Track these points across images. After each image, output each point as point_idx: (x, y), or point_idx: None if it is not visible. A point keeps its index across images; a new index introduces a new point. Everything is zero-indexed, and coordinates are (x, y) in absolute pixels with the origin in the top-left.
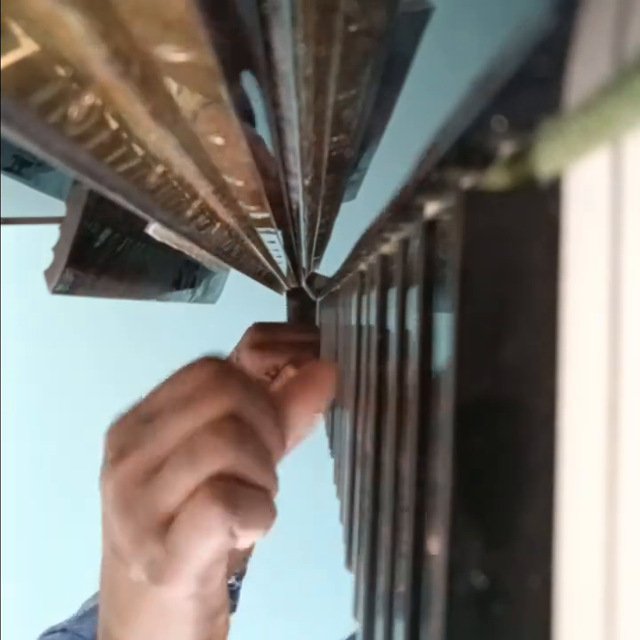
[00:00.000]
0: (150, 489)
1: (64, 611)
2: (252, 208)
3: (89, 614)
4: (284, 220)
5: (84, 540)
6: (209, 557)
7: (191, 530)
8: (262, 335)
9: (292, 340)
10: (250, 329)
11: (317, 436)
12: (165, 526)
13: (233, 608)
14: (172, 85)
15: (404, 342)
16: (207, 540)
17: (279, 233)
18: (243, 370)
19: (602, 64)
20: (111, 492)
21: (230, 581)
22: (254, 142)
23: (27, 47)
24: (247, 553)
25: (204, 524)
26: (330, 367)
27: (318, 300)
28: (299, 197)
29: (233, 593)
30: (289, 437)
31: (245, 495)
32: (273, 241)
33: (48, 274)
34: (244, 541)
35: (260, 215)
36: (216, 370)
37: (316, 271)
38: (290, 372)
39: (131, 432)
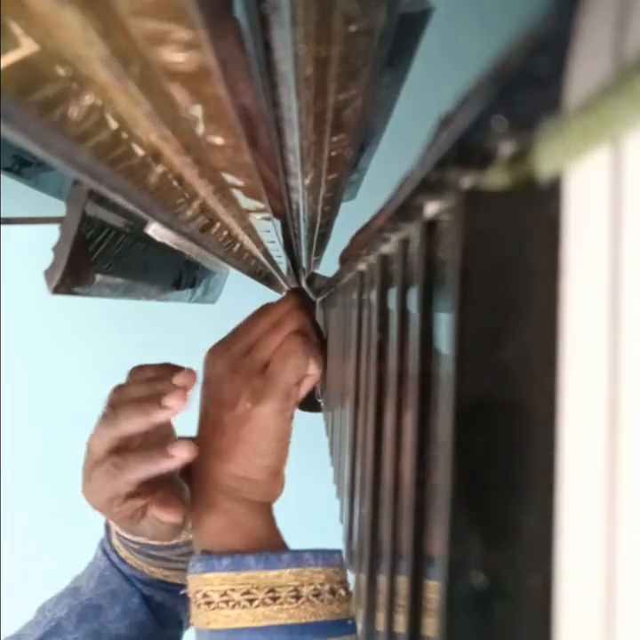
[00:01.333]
0: (251, 354)
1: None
2: (252, 208)
3: (49, 635)
4: (283, 220)
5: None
6: (294, 376)
7: (284, 357)
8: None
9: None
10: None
11: (317, 437)
12: (262, 370)
13: None
14: (172, 85)
15: (404, 342)
16: (294, 362)
17: (279, 233)
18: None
19: (602, 64)
20: (225, 366)
21: None
22: (254, 137)
23: (27, 47)
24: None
25: (292, 351)
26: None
27: (318, 299)
28: (299, 197)
29: None
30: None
31: (311, 344)
32: (273, 241)
33: (48, 274)
34: (312, 369)
35: (259, 215)
36: (287, 307)
37: (316, 271)
38: None
39: (234, 343)
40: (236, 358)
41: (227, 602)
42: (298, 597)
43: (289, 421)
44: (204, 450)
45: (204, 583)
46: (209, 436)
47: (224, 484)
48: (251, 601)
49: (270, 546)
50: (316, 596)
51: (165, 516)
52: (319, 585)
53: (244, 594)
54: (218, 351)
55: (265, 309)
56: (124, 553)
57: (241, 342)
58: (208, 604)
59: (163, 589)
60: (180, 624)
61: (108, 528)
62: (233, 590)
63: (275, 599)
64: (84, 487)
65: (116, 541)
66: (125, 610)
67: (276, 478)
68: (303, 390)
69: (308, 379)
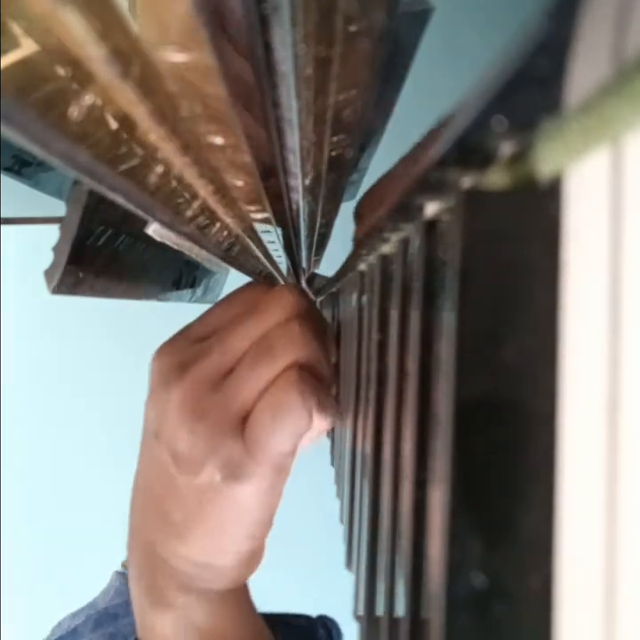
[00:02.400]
0: (223, 391)
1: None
2: (252, 208)
3: (64, 638)
4: (283, 219)
5: (84, 540)
6: (288, 443)
7: (273, 415)
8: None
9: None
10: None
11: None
12: (240, 424)
13: None
14: (172, 85)
15: (404, 342)
16: (289, 421)
17: (279, 233)
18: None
19: (602, 64)
20: (178, 403)
21: None
22: (254, 137)
23: (27, 47)
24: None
25: (286, 405)
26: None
27: (318, 299)
28: (299, 197)
29: None
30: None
31: (318, 383)
32: (273, 241)
33: (48, 274)
34: (316, 426)
35: (259, 215)
36: (265, 289)
37: (316, 271)
38: None
39: (189, 349)
40: (199, 392)
41: None
42: None
43: (279, 495)
44: (142, 503)
45: None
46: (152, 489)
47: (175, 568)
48: None
49: None
50: None
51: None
52: None
53: None
54: (170, 368)
55: (250, 305)
56: None
57: (208, 359)
58: None
59: None
60: None
61: None
62: None
63: None
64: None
65: None
66: None
67: (252, 559)
68: (306, 445)
69: (313, 434)
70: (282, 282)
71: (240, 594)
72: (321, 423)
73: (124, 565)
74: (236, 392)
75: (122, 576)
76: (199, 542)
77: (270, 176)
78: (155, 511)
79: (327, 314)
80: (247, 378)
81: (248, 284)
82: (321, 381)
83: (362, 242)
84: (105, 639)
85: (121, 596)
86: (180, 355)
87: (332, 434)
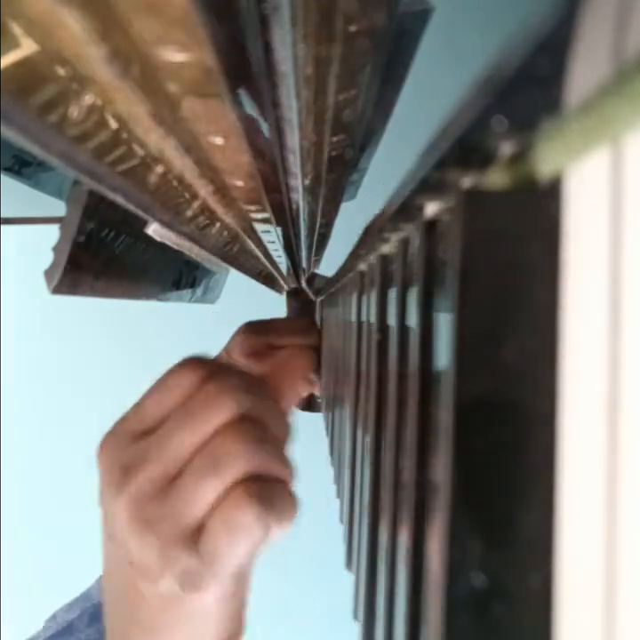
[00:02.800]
0: (170, 502)
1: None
2: (252, 208)
3: (60, 633)
4: (283, 219)
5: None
6: (246, 556)
7: (227, 532)
8: (256, 339)
9: (287, 342)
10: (240, 331)
11: (318, 436)
12: (193, 535)
13: None
14: (172, 85)
15: (404, 342)
16: (245, 539)
17: (279, 233)
18: (228, 365)
19: (602, 64)
20: (125, 512)
21: None
22: (251, 127)
23: (27, 47)
24: None
25: (241, 524)
26: (305, 352)
27: (318, 299)
28: (299, 197)
29: None
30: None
31: (273, 490)
32: (273, 241)
33: (48, 274)
34: (276, 535)
35: (259, 215)
36: (210, 372)
37: (316, 271)
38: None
39: (131, 449)
40: (144, 501)
41: None
42: None
43: (243, 600)
44: (118, 607)
45: None
46: (124, 595)
47: None
48: None
49: None
50: None
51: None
52: None
53: None
54: (113, 470)
55: (186, 396)
56: None
57: (150, 465)
58: None
59: None
60: None
61: None
62: None
63: None
64: None
65: None
66: None
67: None
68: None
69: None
70: (282, 282)
71: None
72: (284, 527)
73: None
74: (184, 503)
75: None
76: None
77: (270, 176)
78: (125, 610)
79: (327, 314)
80: (193, 490)
81: (190, 360)
82: (278, 481)
83: (362, 242)
84: (101, 635)
85: None
86: (123, 455)
87: (331, 434)
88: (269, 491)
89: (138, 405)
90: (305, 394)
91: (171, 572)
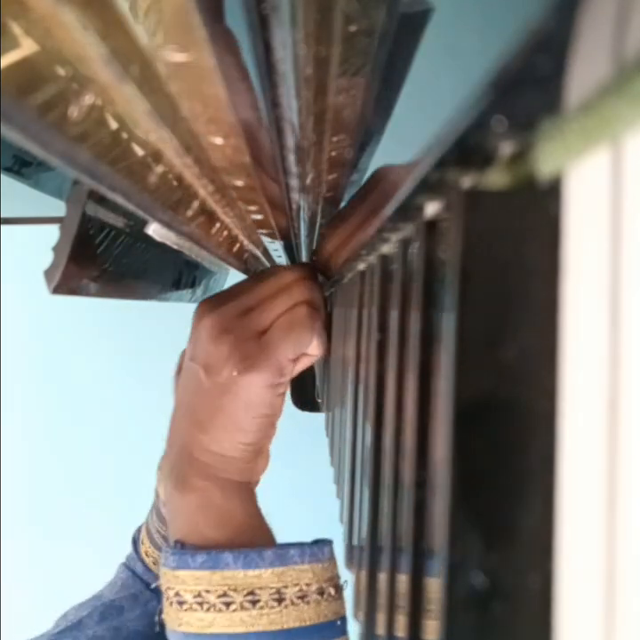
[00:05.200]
0: (247, 317)
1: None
2: (252, 208)
3: (70, 629)
4: (283, 219)
5: (84, 540)
6: (293, 351)
7: (289, 326)
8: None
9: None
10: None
11: (318, 436)
12: (259, 335)
13: None
14: (172, 85)
15: (404, 342)
16: (300, 334)
17: (279, 233)
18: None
19: (602, 64)
20: (210, 324)
21: None
22: (254, 137)
23: (27, 47)
24: None
25: (298, 323)
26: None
27: None
28: (299, 197)
29: None
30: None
31: (319, 318)
32: (273, 241)
33: (48, 274)
34: (313, 347)
35: (259, 215)
36: (297, 275)
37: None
38: None
39: (230, 316)
40: (230, 317)
41: (201, 604)
42: (280, 601)
43: (279, 398)
44: (179, 414)
45: (176, 581)
46: (187, 400)
47: (198, 459)
48: (227, 604)
49: (251, 532)
50: (302, 597)
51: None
52: (305, 585)
53: (220, 596)
54: (209, 306)
55: (271, 271)
56: (151, 558)
57: (238, 301)
58: (180, 603)
59: None
60: None
61: (135, 542)
62: (208, 591)
63: (254, 603)
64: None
65: (149, 549)
66: (145, 611)
67: (257, 457)
68: (298, 369)
69: (305, 358)
70: None
71: (248, 492)
72: (315, 349)
73: (143, 546)
74: (257, 315)
75: (127, 568)
76: (215, 432)
77: (270, 176)
78: (187, 416)
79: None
80: (268, 307)
81: (278, 268)
82: (320, 321)
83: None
84: (110, 632)
85: (127, 589)
86: (216, 303)
87: (331, 434)
88: (318, 317)
89: (236, 285)
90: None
91: (234, 358)
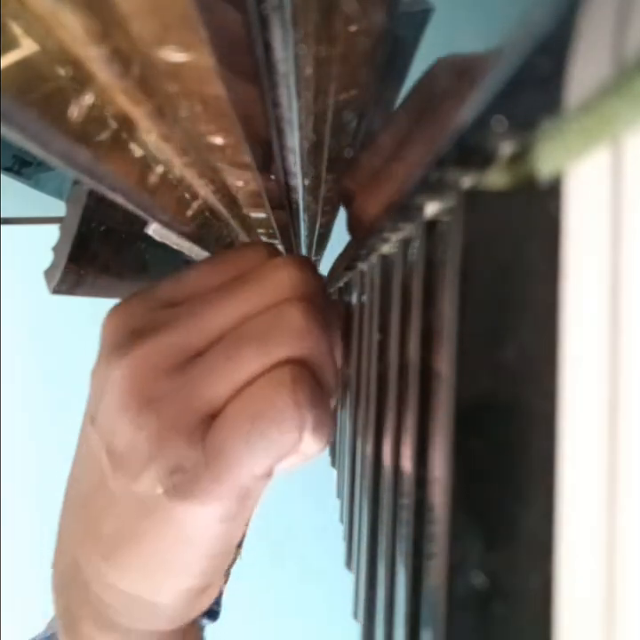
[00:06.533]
0: (186, 377)
1: None
2: (252, 208)
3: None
4: (283, 219)
5: None
6: (265, 463)
7: (251, 422)
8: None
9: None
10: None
11: None
12: (203, 424)
13: (214, 614)
14: (172, 85)
15: (404, 342)
16: (272, 434)
17: (279, 233)
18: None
19: (602, 64)
20: (125, 378)
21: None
22: (254, 137)
23: (27, 47)
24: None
25: (271, 411)
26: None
27: None
28: (299, 197)
29: (216, 598)
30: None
31: (319, 390)
32: (273, 241)
33: (48, 274)
34: (304, 451)
35: (259, 215)
36: (269, 252)
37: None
38: None
39: (149, 314)
40: (153, 371)
41: None
42: None
43: (240, 528)
44: (75, 516)
45: None
46: (86, 499)
47: (99, 597)
48: None
49: None
50: None
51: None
52: None
53: None
54: (124, 334)
55: (243, 272)
56: None
57: (174, 332)
58: None
59: None
60: None
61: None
62: None
63: None
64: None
65: None
66: None
67: (199, 598)
68: (284, 469)
69: (297, 458)
70: None
71: (181, 636)
72: (312, 446)
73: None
74: (203, 382)
75: None
76: (130, 570)
77: (270, 175)
78: (83, 519)
79: None
80: (222, 367)
81: (248, 244)
82: (322, 388)
83: (361, 241)
84: None
85: None
86: (141, 319)
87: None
88: (315, 388)
89: (175, 277)
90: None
91: (159, 465)
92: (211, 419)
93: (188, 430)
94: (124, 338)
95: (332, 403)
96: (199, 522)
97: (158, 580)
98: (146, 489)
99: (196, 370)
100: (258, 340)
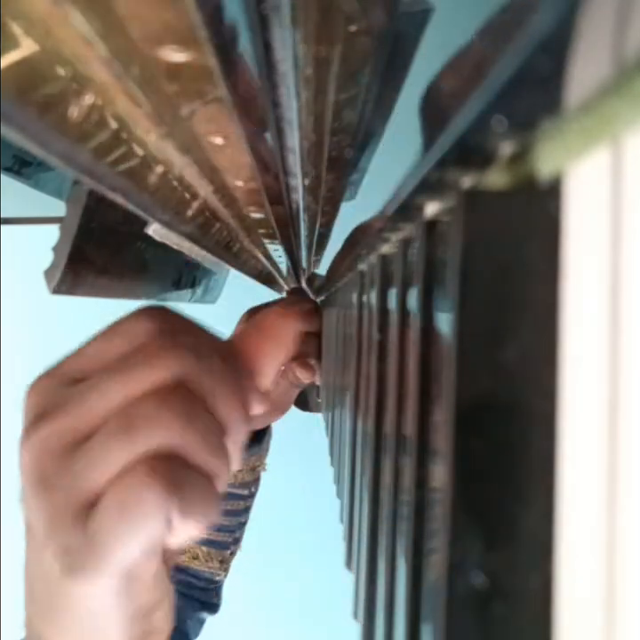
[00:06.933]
0: (73, 462)
1: None
2: (252, 208)
3: None
4: (283, 219)
5: None
6: (137, 548)
7: (119, 512)
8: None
9: (297, 330)
10: (243, 320)
11: (317, 437)
12: (88, 509)
13: (214, 608)
14: (172, 85)
15: (404, 342)
16: (138, 526)
17: (279, 233)
18: (193, 323)
19: (602, 64)
20: (27, 462)
21: (216, 577)
22: (254, 137)
23: (27, 47)
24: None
25: (135, 506)
26: (287, 313)
27: (318, 299)
28: (299, 197)
29: (216, 591)
30: (255, 405)
31: (188, 478)
32: (273, 241)
33: (48, 274)
34: (178, 533)
35: (259, 215)
36: (161, 324)
37: (316, 271)
38: (295, 370)
39: (53, 393)
40: (48, 457)
41: None
42: None
43: (135, 603)
44: (26, 573)
45: None
46: (26, 560)
47: None
48: None
49: None
50: None
51: (305, 374)
52: None
53: None
54: (35, 412)
55: (133, 345)
56: None
57: (66, 416)
58: None
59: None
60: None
61: None
62: None
63: None
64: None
65: None
66: None
67: None
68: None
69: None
70: (282, 282)
71: None
72: (188, 525)
73: None
74: (85, 470)
75: None
76: (66, 634)
77: (270, 176)
78: (28, 578)
79: (327, 314)
80: (99, 457)
81: (147, 309)
82: (200, 469)
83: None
84: None
85: None
86: (46, 396)
87: (331, 434)
88: (183, 476)
89: (79, 349)
90: (303, 377)
91: (52, 545)
92: (94, 502)
93: (73, 515)
94: (32, 418)
95: (220, 482)
96: (96, 596)
97: None
98: (49, 564)
99: (80, 459)
100: (126, 433)
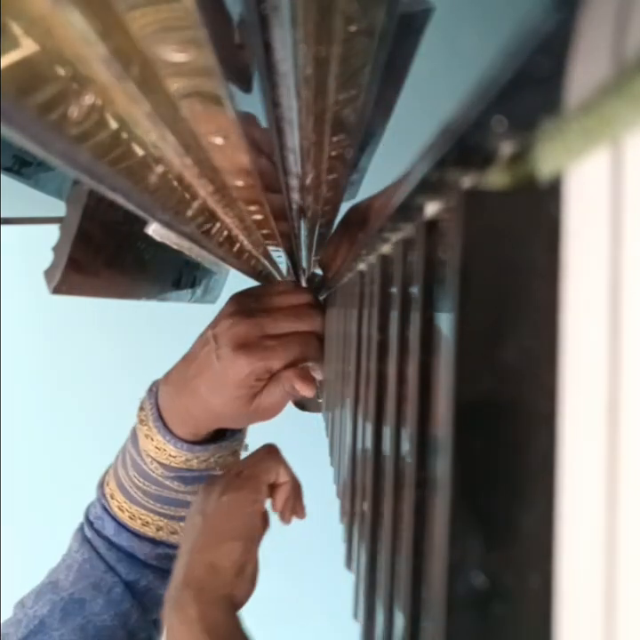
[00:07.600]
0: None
1: None
2: (252, 208)
3: (34, 633)
4: (283, 220)
5: None
6: (264, 369)
7: (287, 380)
8: (246, 328)
9: (285, 328)
10: (226, 312)
11: (317, 437)
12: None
13: None
14: (172, 85)
15: (405, 342)
16: (287, 379)
17: (279, 233)
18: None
19: (602, 64)
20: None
21: None
22: (254, 137)
23: (27, 47)
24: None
25: (288, 378)
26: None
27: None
28: (299, 197)
29: None
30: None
31: (308, 374)
32: (273, 241)
33: (48, 274)
34: (302, 389)
35: (259, 215)
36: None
37: (316, 271)
38: (290, 377)
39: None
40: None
41: None
42: None
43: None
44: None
45: None
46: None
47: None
48: None
49: None
50: None
51: (304, 388)
52: None
53: None
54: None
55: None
56: (127, 513)
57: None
58: None
59: (152, 571)
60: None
61: (100, 500)
62: None
63: None
64: (228, 358)
65: (124, 504)
66: (109, 600)
67: (243, 570)
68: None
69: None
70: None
71: (233, 610)
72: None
73: (113, 502)
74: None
75: (83, 545)
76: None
77: (270, 176)
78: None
79: (327, 313)
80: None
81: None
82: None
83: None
84: (76, 634)
85: (85, 578)
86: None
87: (331, 434)
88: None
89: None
90: (301, 390)
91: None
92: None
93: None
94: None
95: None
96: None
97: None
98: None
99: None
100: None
